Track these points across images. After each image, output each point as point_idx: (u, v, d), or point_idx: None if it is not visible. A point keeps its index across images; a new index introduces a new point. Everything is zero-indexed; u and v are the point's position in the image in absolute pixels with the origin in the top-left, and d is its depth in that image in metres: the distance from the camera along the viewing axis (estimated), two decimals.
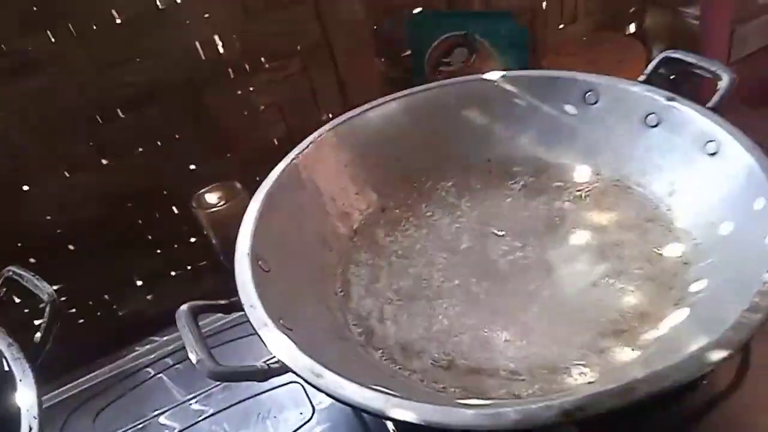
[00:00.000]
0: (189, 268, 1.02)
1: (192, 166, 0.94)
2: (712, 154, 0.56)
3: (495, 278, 0.59)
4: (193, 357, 0.43)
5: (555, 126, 0.67)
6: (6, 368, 0.47)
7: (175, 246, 0.99)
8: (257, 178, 0.98)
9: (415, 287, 0.59)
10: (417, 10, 0.96)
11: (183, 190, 0.92)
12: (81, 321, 0.99)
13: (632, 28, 1.16)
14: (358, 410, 0.41)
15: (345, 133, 0.66)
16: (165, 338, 0.78)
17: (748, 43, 1.06)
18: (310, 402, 0.60)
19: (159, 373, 0.69)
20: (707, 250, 0.54)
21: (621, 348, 0.50)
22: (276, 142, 0.97)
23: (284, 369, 0.44)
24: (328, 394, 0.42)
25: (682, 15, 1.09)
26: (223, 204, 0.90)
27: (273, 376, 0.44)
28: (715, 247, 0.53)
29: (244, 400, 0.62)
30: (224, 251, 0.92)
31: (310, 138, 0.65)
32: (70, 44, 0.79)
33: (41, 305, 0.51)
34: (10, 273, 0.53)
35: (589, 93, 0.66)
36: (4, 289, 0.54)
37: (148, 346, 0.75)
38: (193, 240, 0.99)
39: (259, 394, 0.61)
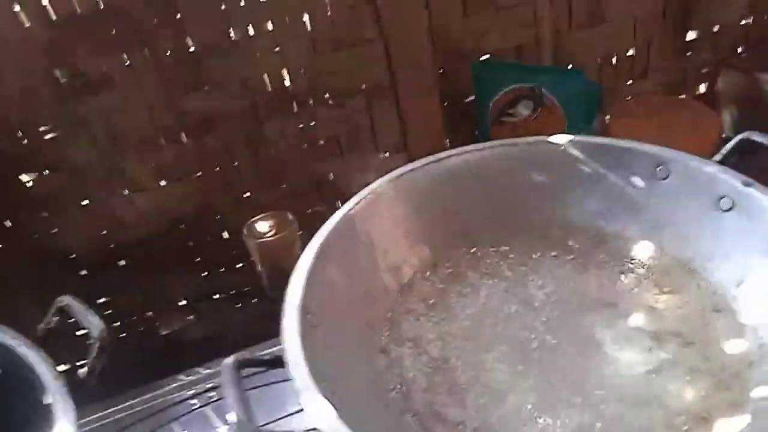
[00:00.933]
0: (232, 292, 1.02)
1: (247, 194, 0.95)
2: None
3: (545, 356, 0.56)
4: (232, 417, 0.42)
5: (620, 197, 0.65)
6: (47, 401, 0.47)
7: (222, 270, 1.00)
8: (308, 210, 0.99)
9: (460, 355, 0.58)
10: (485, 57, 0.96)
11: (236, 215, 0.93)
12: (122, 335, 1.00)
13: (702, 88, 1.13)
14: None
15: (404, 186, 0.65)
16: (208, 371, 0.77)
17: None
18: None
19: (204, 405, 0.68)
20: None
21: None
22: (331, 177, 0.98)
23: None
24: None
25: (757, 80, 1.05)
26: (274, 234, 0.91)
27: None
28: None
29: None
30: (270, 279, 0.93)
31: (368, 189, 0.64)
32: (143, 67, 0.81)
33: (89, 341, 0.51)
34: (64, 303, 0.53)
35: (660, 167, 0.63)
36: (56, 318, 0.54)
37: (191, 378, 0.75)
38: (239, 266, 1.00)
39: None
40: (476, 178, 0.67)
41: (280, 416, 0.63)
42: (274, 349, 0.52)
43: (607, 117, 0.97)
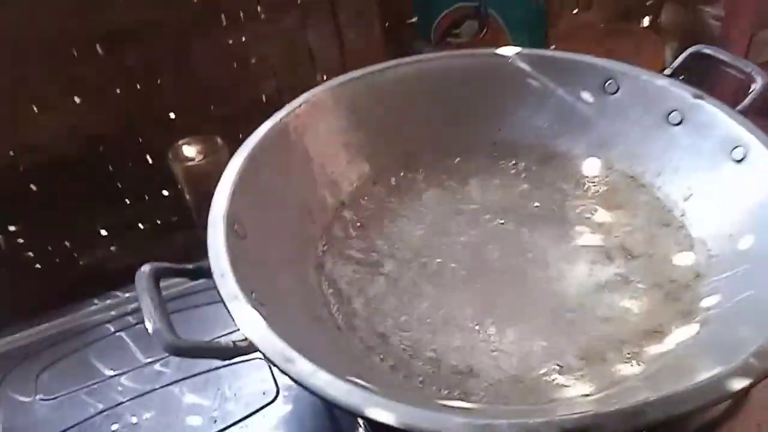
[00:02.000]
0: (158, 222, 0.96)
1: (171, 115, 0.88)
2: (738, 161, 0.52)
3: (489, 269, 0.54)
4: (149, 326, 0.38)
5: (569, 113, 0.63)
6: None
7: (146, 198, 0.93)
8: (240, 136, 0.92)
9: (401, 270, 0.54)
10: None
11: (160, 139, 0.86)
12: (38, 266, 0.92)
13: (646, 21, 1.11)
14: (330, 404, 0.36)
15: (343, 96, 0.60)
16: (127, 295, 0.72)
17: (765, 49, 1.01)
18: (275, 381, 0.55)
19: (119, 330, 0.63)
20: (723, 263, 0.50)
21: (620, 360, 0.46)
22: (264, 99, 0.91)
23: (252, 348, 0.39)
24: (299, 383, 0.37)
25: (701, 13, 1.04)
26: (202, 158, 0.85)
27: (238, 356, 0.39)
28: (733, 261, 0.49)
29: (205, 371, 0.56)
30: (198, 208, 0.87)
31: (304, 96, 0.59)
32: None
33: None
34: None
35: (609, 82, 0.61)
36: None
37: (108, 301, 0.69)
38: (165, 193, 0.93)
39: (222, 367, 0.56)
40: (420, 91, 0.63)
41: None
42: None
43: (552, 46, 0.94)
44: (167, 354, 0.57)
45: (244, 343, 0.39)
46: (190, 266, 0.45)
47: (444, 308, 0.51)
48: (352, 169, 0.61)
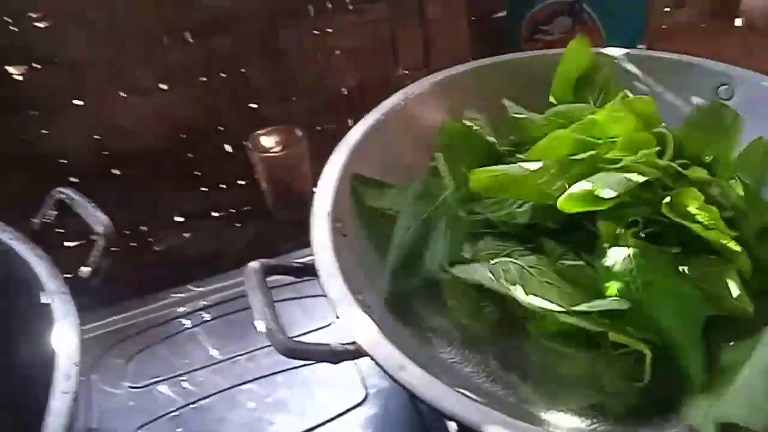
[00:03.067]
0: (232, 211, 0.96)
1: (254, 105, 0.88)
2: None
3: None
4: (261, 325, 0.37)
5: (677, 118, 0.59)
6: (44, 301, 0.41)
7: (223, 186, 0.94)
8: (318, 127, 0.92)
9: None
10: None
11: (241, 128, 0.86)
12: (114, 249, 0.94)
13: (739, 21, 1.06)
14: (440, 414, 0.35)
15: (442, 91, 0.59)
16: (200, 289, 0.72)
17: None
18: (364, 384, 0.54)
19: (195, 326, 0.63)
20: None
21: None
22: (345, 92, 0.90)
23: (361, 353, 0.38)
24: (409, 392, 0.36)
25: None
26: (280, 149, 0.84)
27: (347, 359, 0.38)
28: None
29: (288, 369, 0.56)
30: (274, 198, 0.87)
31: (405, 91, 0.58)
32: None
33: (92, 236, 0.45)
34: (63, 196, 0.47)
35: (723, 87, 0.58)
36: (55, 212, 0.48)
37: (182, 294, 0.69)
38: (241, 183, 0.93)
39: (306, 365, 0.55)
40: (519, 87, 0.61)
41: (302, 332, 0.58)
42: (303, 258, 0.47)
43: (643, 45, 0.90)
44: (251, 348, 0.59)
45: (352, 347, 0.38)
46: (297, 264, 0.44)
47: None
48: None
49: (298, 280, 0.44)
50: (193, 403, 0.53)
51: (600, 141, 0.47)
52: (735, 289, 0.42)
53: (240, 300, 0.66)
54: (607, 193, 0.42)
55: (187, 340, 0.62)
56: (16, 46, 0.75)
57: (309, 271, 0.43)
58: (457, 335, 0.46)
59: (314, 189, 0.85)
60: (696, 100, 0.59)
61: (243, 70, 0.84)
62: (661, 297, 0.40)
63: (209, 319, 0.65)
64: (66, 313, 0.40)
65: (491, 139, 0.55)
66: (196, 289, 0.73)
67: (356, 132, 0.53)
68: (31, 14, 0.73)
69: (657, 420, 0.41)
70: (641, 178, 0.44)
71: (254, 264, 0.42)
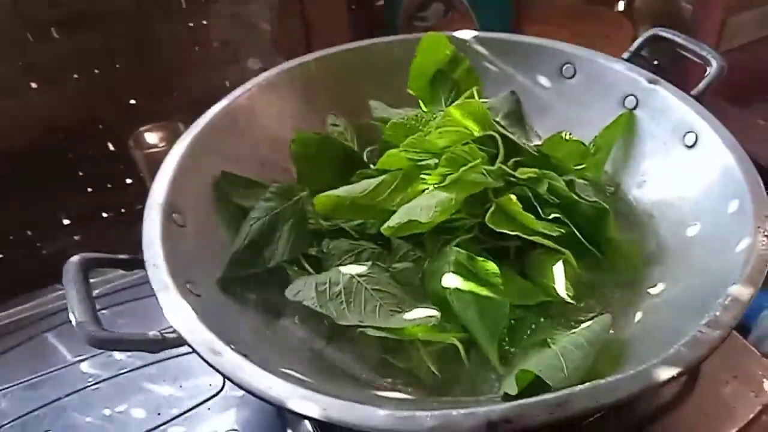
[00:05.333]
0: (123, 211, 0.94)
1: (132, 101, 0.87)
2: (690, 146, 0.51)
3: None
4: (72, 318, 0.37)
5: (526, 97, 0.61)
6: None
7: (109, 186, 0.92)
8: None
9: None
10: None
11: (122, 126, 0.85)
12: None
13: (621, 6, 1.10)
14: (257, 397, 0.35)
15: (295, 79, 0.59)
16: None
17: (737, 34, 1.01)
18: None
19: (54, 327, 0.62)
20: (670, 251, 0.49)
21: None
22: (228, 84, 0.89)
23: (180, 341, 0.38)
24: (224, 376, 0.36)
25: (674, 1, 1.03)
26: (164, 145, 0.83)
27: (167, 348, 0.38)
28: (680, 248, 0.48)
29: (148, 364, 0.55)
30: None
31: (255, 80, 0.58)
32: None
33: None
34: None
35: (566, 65, 0.60)
36: None
37: (51, 295, 0.67)
38: (129, 182, 0.92)
39: (166, 360, 0.55)
40: (376, 72, 0.62)
41: None
42: None
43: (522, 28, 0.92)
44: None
45: (173, 335, 0.39)
46: (125, 256, 0.43)
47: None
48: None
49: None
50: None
51: (429, 157, 0.49)
52: (558, 280, 0.45)
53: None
54: (425, 217, 0.44)
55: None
56: None
57: (139, 264, 0.43)
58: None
59: None
60: (542, 79, 0.61)
61: (117, 65, 0.83)
62: (468, 302, 0.43)
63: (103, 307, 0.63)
64: None
65: (349, 145, 0.56)
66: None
67: (200, 123, 0.53)
68: None
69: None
70: (462, 196, 0.46)
71: (74, 258, 0.41)
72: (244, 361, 0.36)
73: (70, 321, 0.37)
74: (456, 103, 0.49)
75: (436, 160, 0.48)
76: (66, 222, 0.92)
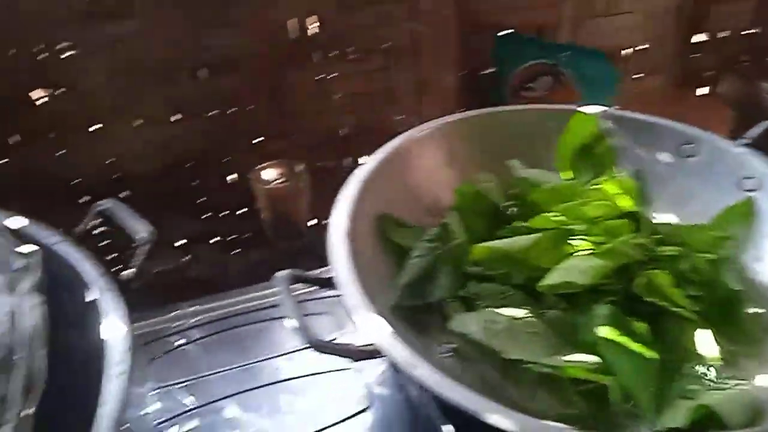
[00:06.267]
0: (232, 237, 1.01)
1: (258, 139, 0.94)
2: None
3: None
4: (293, 323, 0.43)
5: (646, 171, 0.67)
6: (91, 297, 0.46)
7: (224, 213, 0.99)
8: (317, 163, 0.99)
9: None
10: (507, 32, 0.97)
11: (244, 160, 0.92)
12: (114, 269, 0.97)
13: (705, 90, 1.16)
14: (446, 406, 0.40)
15: (446, 134, 0.66)
16: (193, 308, 0.76)
17: None
18: (367, 390, 0.59)
19: (188, 343, 0.68)
20: None
21: None
22: (344, 132, 0.98)
23: (377, 354, 0.44)
24: (422, 387, 0.42)
25: (758, 87, 1.10)
26: (282, 182, 0.91)
27: (366, 359, 0.44)
28: None
29: (296, 377, 0.61)
30: (274, 227, 0.92)
31: (413, 132, 0.65)
32: None
33: (134, 244, 0.50)
34: (104, 208, 0.52)
35: (687, 145, 0.66)
36: (99, 221, 0.53)
37: (180, 312, 0.73)
38: (241, 211, 0.99)
39: (313, 375, 0.60)
40: (506, 138, 0.68)
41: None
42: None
43: (616, 106, 0.99)
44: (254, 359, 0.63)
45: (370, 348, 0.44)
46: (320, 276, 0.49)
47: None
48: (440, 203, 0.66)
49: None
50: (207, 404, 0.57)
51: (579, 224, 0.55)
52: (703, 345, 0.50)
53: (241, 317, 0.71)
54: (582, 280, 0.50)
55: (194, 351, 0.66)
56: (40, 74, 0.80)
57: (327, 283, 0.49)
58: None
59: (310, 221, 0.92)
60: (663, 155, 0.67)
61: (250, 106, 0.91)
62: (620, 354, 0.48)
63: (203, 336, 0.69)
64: (114, 306, 0.44)
65: (499, 201, 0.62)
66: (191, 308, 0.77)
67: (365, 169, 0.60)
68: (58, 45, 0.79)
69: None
70: (614, 264, 0.52)
71: (283, 273, 0.47)
72: (439, 374, 0.42)
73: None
74: (607, 178, 0.56)
75: (585, 227, 0.55)
76: (178, 243, 0.99)
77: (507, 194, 0.63)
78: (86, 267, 0.47)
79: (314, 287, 0.53)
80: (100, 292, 0.45)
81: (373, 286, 0.51)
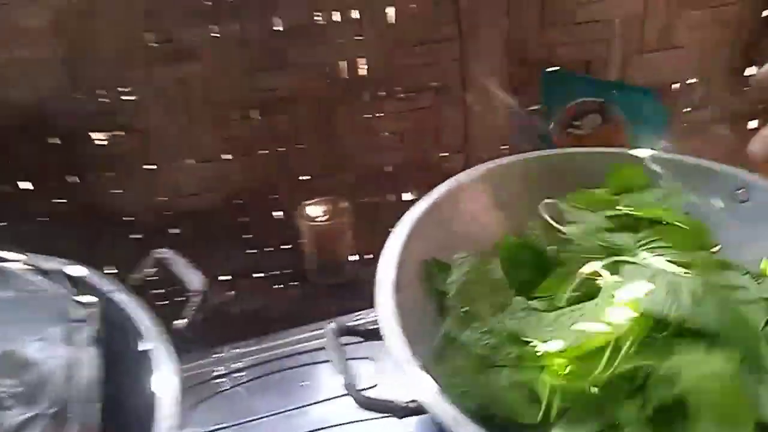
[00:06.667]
0: (275, 272, 1.02)
1: (305, 177, 0.96)
2: None
3: None
4: (342, 379, 0.43)
5: (698, 216, 0.66)
6: (144, 347, 0.47)
7: (268, 249, 1.01)
8: (362, 200, 1.00)
9: None
10: (554, 68, 0.97)
11: (291, 197, 0.94)
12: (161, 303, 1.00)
13: (754, 124, 1.13)
14: None
15: (488, 180, 0.66)
16: (239, 350, 0.77)
17: None
18: None
19: (235, 386, 0.69)
20: None
21: None
22: (390, 169, 0.98)
23: (422, 410, 0.44)
24: None
25: None
26: (326, 219, 0.92)
27: (411, 415, 0.44)
28: None
29: (340, 424, 0.61)
30: (318, 263, 0.94)
31: (455, 179, 0.65)
32: (230, 41, 0.82)
33: (188, 293, 0.52)
34: (162, 256, 0.54)
35: (740, 190, 0.65)
36: (155, 269, 0.55)
37: (222, 354, 0.74)
38: (286, 247, 1.00)
39: (357, 422, 0.61)
40: (557, 181, 0.68)
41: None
42: (365, 320, 0.53)
43: (665, 142, 0.98)
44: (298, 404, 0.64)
45: (414, 404, 0.44)
46: (367, 328, 0.50)
47: None
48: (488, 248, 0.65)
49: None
50: None
51: None
52: None
53: (285, 360, 0.72)
54: None
55: (239, 395, 0.67)
56: (102, 114, 0.84)
57: (373, 335, 0.49)
58: None
59: (353, 257, 0.93)
60: (715, 200, 0.66)
61: (300, 145, 0.93)
62: None
63: (251, 378, 0.70)
64: (166, 358, 0.46)
65: (545, 250, 0.61)
66: (238, 350, 0.78)
67: (413, 213, 0.60)
68: (119, 88, 0.83)
69: None
70: None
71: (332, 326, 0.48)
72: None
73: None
74: None
75: None
76: (223, 278, 1.01)
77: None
78: (141, 316, 0.49)
79: None
80: (153, 342, 0.47)
81: (418, 337, 0.52)
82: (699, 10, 0.98)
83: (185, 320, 0.50)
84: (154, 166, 0.88)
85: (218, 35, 0.81)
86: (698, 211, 0.66)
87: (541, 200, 0.66)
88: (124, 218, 0.91)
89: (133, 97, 0.82)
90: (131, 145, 0.86)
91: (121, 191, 0.88)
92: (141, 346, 0.47)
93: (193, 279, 0.52)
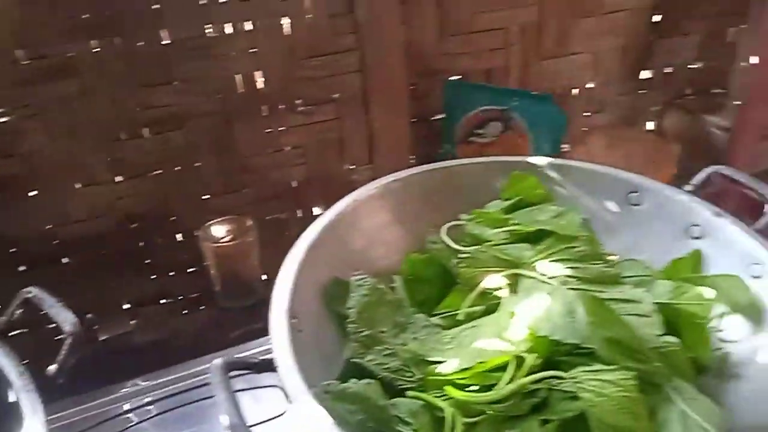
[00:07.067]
0: (180, 298, 0.98)
1: (206, 196, 0.92)
2: (756, 277, 0.56)
3: None
4: (225, 420, 0.40)
5: (593, 220, 0.67)
6: (11, 399, 0.43)
7: (171, 274, 0.96)
8: (267, 217, 0.97)
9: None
10: (455, 78, 0.97)
11: (192, 218, 0.90)
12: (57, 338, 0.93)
13: (651, 125, 1.18)
14: None
15: (386, 195, 0.64)
16: (146, 383, 0.73)
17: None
18: None
19: (142, 421, 0.65)
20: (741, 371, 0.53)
21: None
22: (294, 184, 0.96)
23: None
24: None
25: (703, 122, 1.11)
26: (231, 239, 0.88)
27: None
28: (750, 367, 0.52)
29: None
30: (223, 285, 0.90)
31: (351, 196, 0.63)
32: (111, 56, 0.77)
33: (61, 335, 0.47)
34: (31, 295, 0.49)
35: (633, 194, 0.66)
36: (19, 311, 0.50)
37: (129, 389, 0.70)
38: (190, 270, 0.96)
39: None
40: (454, 192, 0.67)
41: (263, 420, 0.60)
42: (256, 351, 0.50)
43: (566, 145, 1.00)
44: None
45: None
46: (256, 360, 0.47)
47: None
48: (390, 264, 0.64)
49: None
50: None
51: None
52: None
53: (191, 392, 0.68)
54: None
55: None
56: None
57: (267, 367, 0.46)
58: None
59: (262, 277, 0.90)
60: (610, 204, 0.67)
61: (197, 163, 0.89)
62: None
63: (159, 412, 0.66)
64: (33, 410, 0.42)
65: (448, 265, 0.60)
66: (144, 383, 0.74)
67: (309, 234, 0.58)
68: None
69: None
70: None
71: (218, 361, 0.45)
72: None
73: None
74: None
75: None
76: (126, 306, 0.96)
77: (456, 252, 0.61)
78: (6, 365, 0.44)
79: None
80: (17, 393, 0.42)
81: (317, 364, 0.49)
82: (592, 17, 1.01)
83: (56, 366, 0.46)
84: (35, 192, 0.82)
85: (98, 49, 0.76)
86: (595, 216, 0.67)
87: (442, 212, 0.66)
88: (8, 250, 0.84)
89: (5, 119, 0.76)
90: (10, 170, 0.80)
91: (1, 220, 0.81)
92: (10, 397, 0.43)
93: (65, 319, 0.48)
